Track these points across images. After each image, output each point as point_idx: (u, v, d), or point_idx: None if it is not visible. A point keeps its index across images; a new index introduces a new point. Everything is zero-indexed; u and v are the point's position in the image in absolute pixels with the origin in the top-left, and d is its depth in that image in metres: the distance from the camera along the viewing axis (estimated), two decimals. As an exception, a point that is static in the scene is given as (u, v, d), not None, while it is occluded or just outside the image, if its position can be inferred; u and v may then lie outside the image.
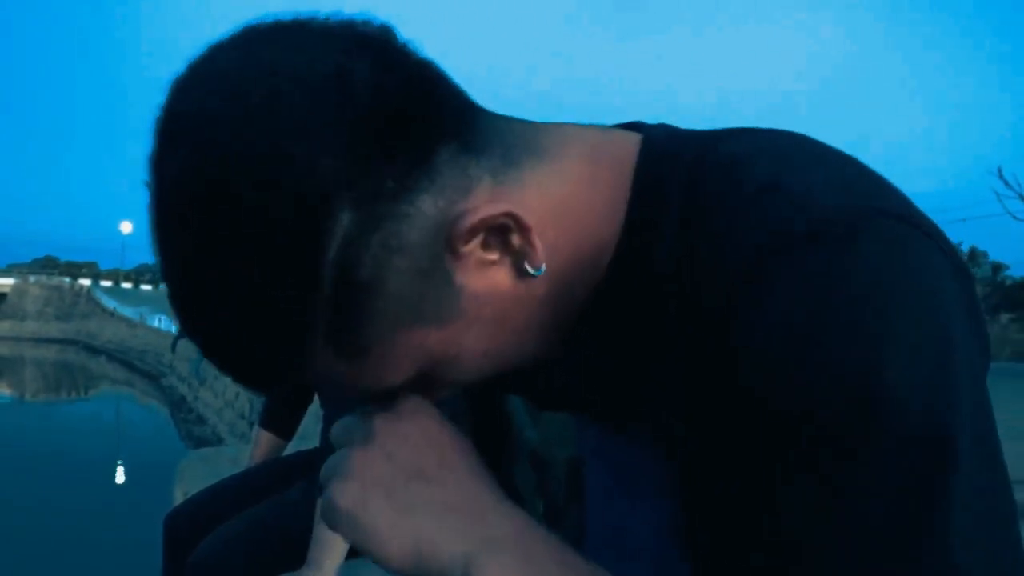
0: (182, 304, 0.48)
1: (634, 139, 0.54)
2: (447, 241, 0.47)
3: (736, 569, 0.47)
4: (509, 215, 0.48)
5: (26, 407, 22.44)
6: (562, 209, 0.51)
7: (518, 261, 0.49)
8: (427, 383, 0.53)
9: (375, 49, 0.47)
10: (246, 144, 0.44)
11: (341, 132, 0.44)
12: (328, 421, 1.67)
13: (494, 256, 0.49)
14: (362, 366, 0.49)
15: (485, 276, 0.49)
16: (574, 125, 0.55)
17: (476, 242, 0.48)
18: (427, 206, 0.46)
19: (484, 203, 0.47)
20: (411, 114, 0.46)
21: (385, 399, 0.53)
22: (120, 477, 12.52)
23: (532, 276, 0.50)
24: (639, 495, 0.58)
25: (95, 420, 19.16)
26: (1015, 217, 17.47)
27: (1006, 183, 17.13)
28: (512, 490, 0.74)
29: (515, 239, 0.49)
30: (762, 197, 0.46)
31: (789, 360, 0.43)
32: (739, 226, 0.46)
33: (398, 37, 0.48)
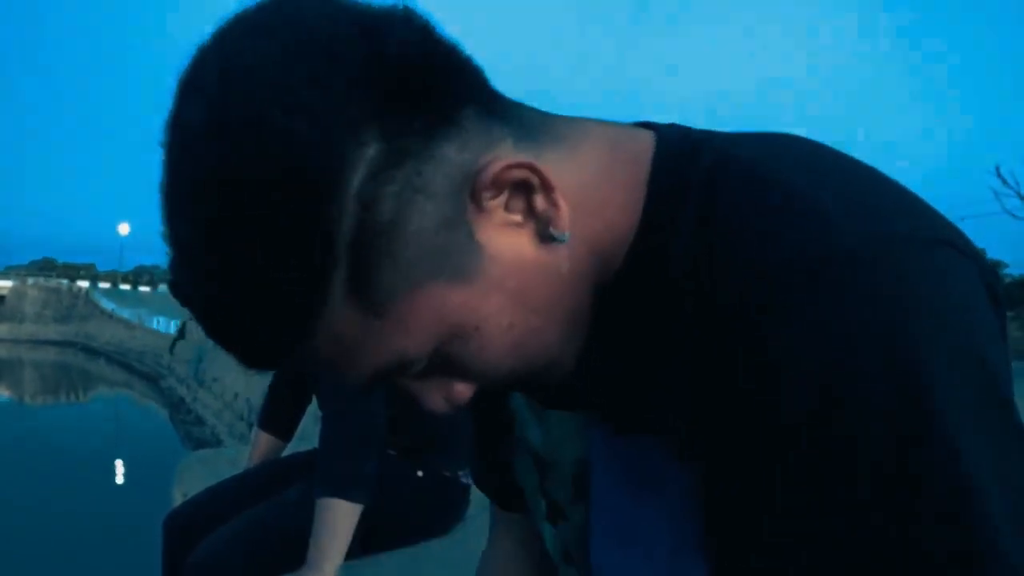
0: (196, 249, 0.46)
1: (649, 137, 0.54)
2: (471, 193, 0.47)
3: (740, 571, 0.47)
4: (534, 169, 0.48)
5: (25, 409, 22.40)
6: (580, 196, 0.50)
7: (541, 227, 0.49)
8: (448, 366, 0.51)
9: (402, 16, 0.48)
10: (276, 71, 0.44)
11: (372, 71, 0.44)
12: (327, 422, 1.67)
13: (517, 218, 0.49)
14: (379, 327, 0.47)
15: (508, 239, 0.48)
16: (591, 119, 0.55)
17: (500, 200, 0.48)
18: (452, 152, 0.46)
19: (509, 154, 0.48)
20: (437, 71, 0.47)
21: (399, 376, 0.51)
22: (120, 478, 12.50)
23: (556, 242, 0.49)
24: (647, 494, 0.57)
25: (94, 422, 19.13)
26: (1013, 215, 17.47)
27: (1004, 181, 17.13)
28: (513, 483, 0.74)
29: (539, 201, 0.48)
30: (787, 208, 0.46)
31: (820, 374, 0.43)
32: (764, 238, 0.46)
33: (420, 13, 0.49)
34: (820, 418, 0.43)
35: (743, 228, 0.47)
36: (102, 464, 13.01)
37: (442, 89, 0.46)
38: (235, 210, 0.43)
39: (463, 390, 0.53)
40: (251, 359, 0.48)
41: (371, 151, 0.44)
